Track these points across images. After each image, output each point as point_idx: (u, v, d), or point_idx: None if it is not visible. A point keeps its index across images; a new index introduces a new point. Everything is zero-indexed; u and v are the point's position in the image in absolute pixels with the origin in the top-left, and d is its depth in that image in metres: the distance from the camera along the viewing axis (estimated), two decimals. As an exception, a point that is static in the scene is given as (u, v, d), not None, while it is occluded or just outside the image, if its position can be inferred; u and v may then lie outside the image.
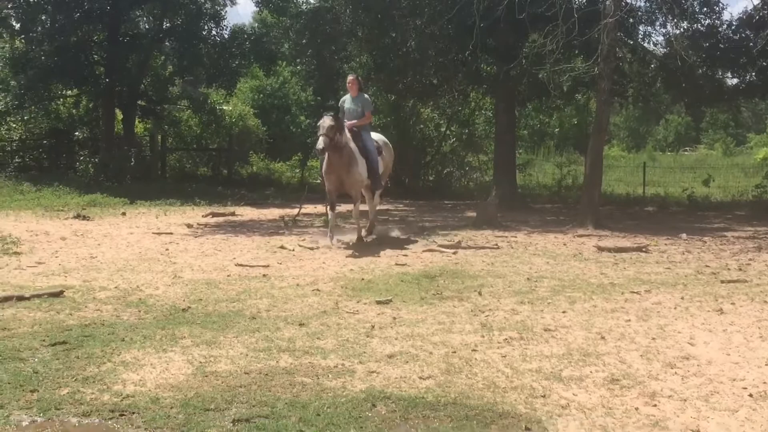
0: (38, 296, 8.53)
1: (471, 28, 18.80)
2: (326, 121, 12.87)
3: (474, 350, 6.59)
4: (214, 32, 30.07)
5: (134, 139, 29.51)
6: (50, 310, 7.99)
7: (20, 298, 8.39)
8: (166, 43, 30.38)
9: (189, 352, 6.38)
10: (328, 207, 14.01)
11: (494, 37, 21.56)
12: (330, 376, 5.85)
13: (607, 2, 16.91)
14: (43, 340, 6.65)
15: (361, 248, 13.18)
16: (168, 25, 29.65)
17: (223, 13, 29.97)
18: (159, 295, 9.00)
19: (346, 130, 13.32)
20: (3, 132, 30.00)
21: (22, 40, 27.62)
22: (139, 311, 8.09)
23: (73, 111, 30.33)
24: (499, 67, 22.23)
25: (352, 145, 13.35)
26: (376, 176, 13.88)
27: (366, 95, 14.31)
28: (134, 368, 5.92)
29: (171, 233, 15.37)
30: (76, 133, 30.43)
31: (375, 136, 14.50)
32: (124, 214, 19.39)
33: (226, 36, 30.44)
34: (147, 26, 30.98)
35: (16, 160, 29.10)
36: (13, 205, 20.61)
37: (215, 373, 5.85)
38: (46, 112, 29.79)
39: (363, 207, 14.74)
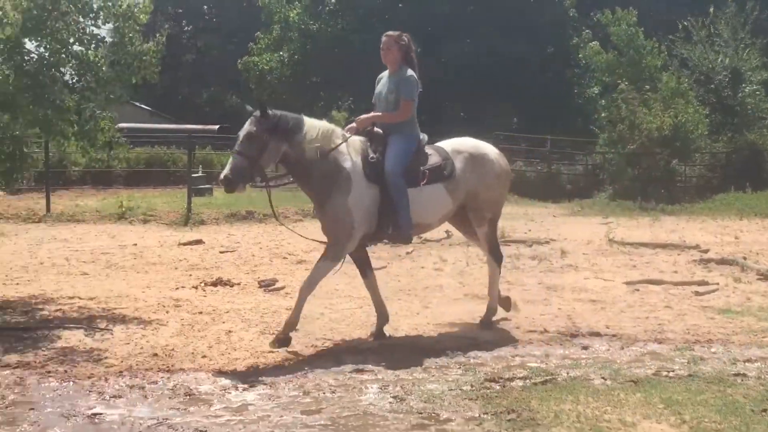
0: None
1: None
2: (244, 130, 6.95)
3: None
4: None
5: None
6: None
7: None
8: None
9: None
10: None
11: None
12: None
13: None
14: None
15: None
16: None
17: None
18: None
19: (338, 134, 7.29)
20: None
21: None
22: None
23: None
24: None
25: (347, 161, 7.16)
26: (395, 215, 7.21)
27: (410, 71, 7.45)
28: None
29: None
30: None
31: (451, 143, 7.87)
32: None
33: None
34: None
35: None
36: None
37: None
38: None
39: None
